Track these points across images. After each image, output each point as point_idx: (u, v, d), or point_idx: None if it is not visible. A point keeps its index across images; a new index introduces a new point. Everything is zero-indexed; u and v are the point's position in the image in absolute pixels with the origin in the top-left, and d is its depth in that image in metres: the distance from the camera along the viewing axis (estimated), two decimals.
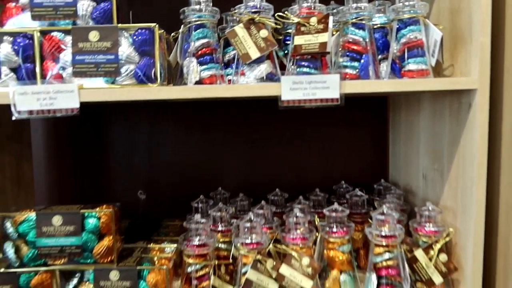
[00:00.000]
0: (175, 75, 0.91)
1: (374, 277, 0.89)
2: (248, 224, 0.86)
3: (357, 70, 0.86)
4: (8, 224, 0.83)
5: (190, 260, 0.85)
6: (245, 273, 0.85)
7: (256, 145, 1.28)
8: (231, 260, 0.92)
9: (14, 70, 0.81)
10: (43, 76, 0.80)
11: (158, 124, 1.28)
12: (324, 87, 0.78)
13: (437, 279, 0.87)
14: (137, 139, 1.28)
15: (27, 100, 0.76)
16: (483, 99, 0.81)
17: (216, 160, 1.28)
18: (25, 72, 0.80)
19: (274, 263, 0.85)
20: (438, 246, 0.88)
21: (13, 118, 0.77)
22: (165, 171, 1.29)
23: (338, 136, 1.29)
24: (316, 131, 1.29)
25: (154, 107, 1.26)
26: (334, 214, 0.91)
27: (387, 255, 0.88)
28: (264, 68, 0.82)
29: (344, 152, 1.29)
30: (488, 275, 0.91)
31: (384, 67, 0.91)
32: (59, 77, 0.79)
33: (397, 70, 0.89)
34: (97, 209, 0.85)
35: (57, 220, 0.82)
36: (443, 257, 0.88)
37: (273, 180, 1.20)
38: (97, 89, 0.79)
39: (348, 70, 0.87)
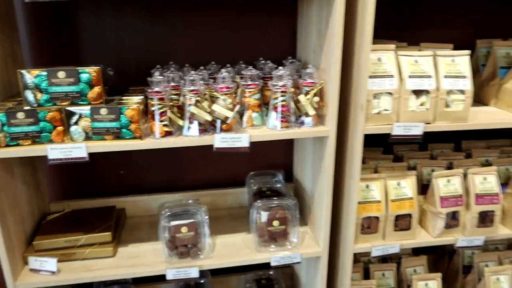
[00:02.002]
0: None
1: (273, 113, 1.40)
2: (191, 77, 1.31)
3: None
4: (27, 77, 1.22)
5: (154, 102, 1.31)
6: (189, 110, 1.32)
7: (199, 28, 1.68)
8: (180, 104, 1.39)
9: None
10: None
11: (123, 13, 1.63)
12: None
13: (311, 111, 1.38)
14: (105, 26, 1.64)
15: None
16: None
17: (169, 41, 1.68)
18: None
19: (209, 103, 1.33)
20: (313, 92, 1.38)
21: (26, 1, 1.13)
22: (128, 51, 1.68)
23: (260, 24, 1.72)
24: (244, 20, 1.71)
25: None
26: (249, 72, 1.39)
27: (281, 98, 1.38)
28: None
29: (264, 36, 1.73)
30: (344, 108, 1.45)
31: None
32: None
33: None
34: (88, 68, 1.25)
35: (61, 74, 1.23)
36: (316, 99, 1.39)
37: (211, 56, 1.63)
38: None
39: None
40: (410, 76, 1.41)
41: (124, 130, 1.30)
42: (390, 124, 1.43)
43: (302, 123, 1.42)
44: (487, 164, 1.83)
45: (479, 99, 1.79)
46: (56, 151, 1.26)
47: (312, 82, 1.39)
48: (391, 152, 1.87)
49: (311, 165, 1.63)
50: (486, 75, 1.75)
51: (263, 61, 1.62)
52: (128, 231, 1.72)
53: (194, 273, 1.45)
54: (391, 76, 1.40)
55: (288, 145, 1.91)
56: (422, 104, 1.44)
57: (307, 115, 1.39)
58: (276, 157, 1.91)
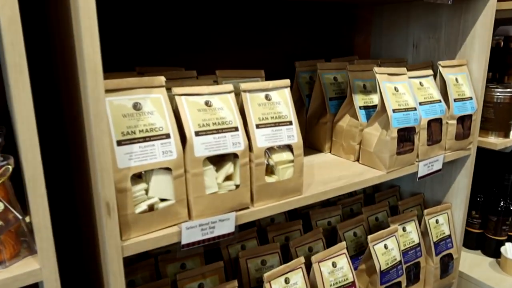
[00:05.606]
0: None
1: None
2: None
3: None
4: None
5: None
6: None
7: None
8: None
9: None
10: None
11: None
12: None
13: None
14: None
15: None
16: None
17: None
18: None
19: None
20: None
21: None
22: None
23: None
24: None
25: None
26: None
27: None
28: None
29: None
30: (88, 211, 0.72)
31: None
32: None
33: None
34: None
35: None
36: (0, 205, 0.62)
37: None
38: None
39: None
40: (198, 133, 0.76)
41: None
42: (176, 225, 0.75)
43: None
44: (329, 230, 1.33)
45: (308, 143, 1.29)
46: None
47: None
48: None
49: None
50: (313, 109, 1.25)
51: None
52: None
53: None
54: (165, 136, 0.73)
55: None
56: (228, 178, 0.81)
57: None
58: None
